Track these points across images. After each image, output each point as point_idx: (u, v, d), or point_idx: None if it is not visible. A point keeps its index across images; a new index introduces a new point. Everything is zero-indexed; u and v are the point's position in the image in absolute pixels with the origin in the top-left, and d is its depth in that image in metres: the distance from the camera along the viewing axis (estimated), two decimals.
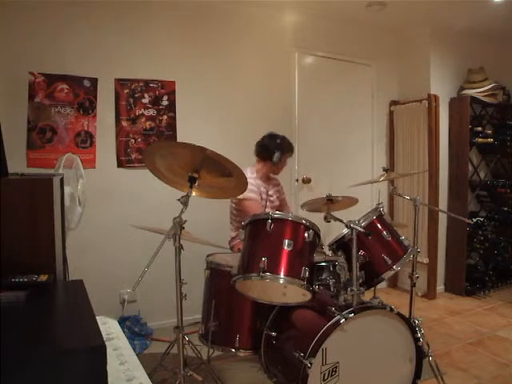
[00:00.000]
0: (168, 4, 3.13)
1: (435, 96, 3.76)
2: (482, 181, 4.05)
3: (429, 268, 3.84)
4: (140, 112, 3.10)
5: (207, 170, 1.82)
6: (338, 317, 1.75)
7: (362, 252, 2.02)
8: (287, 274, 1.79)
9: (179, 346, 1.81)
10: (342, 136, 3.96)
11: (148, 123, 3.12)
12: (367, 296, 2.08)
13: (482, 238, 3.95)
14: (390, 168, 3.95)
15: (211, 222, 3.05)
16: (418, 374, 1.94)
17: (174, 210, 1.83)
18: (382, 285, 4.04)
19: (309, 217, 1.97)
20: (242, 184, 1.90)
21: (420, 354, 1.94)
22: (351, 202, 2.30)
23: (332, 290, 1.96)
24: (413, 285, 2.37)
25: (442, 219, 3.92)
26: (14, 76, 2.72)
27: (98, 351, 0.82)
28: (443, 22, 3.70)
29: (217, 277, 2.15)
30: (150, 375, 1.40)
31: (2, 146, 1.28)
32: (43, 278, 1.22)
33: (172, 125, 3.20)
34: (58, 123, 2.84)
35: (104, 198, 2.95)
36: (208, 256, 2.28)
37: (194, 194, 1.87)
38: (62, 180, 1.47)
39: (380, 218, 2.16)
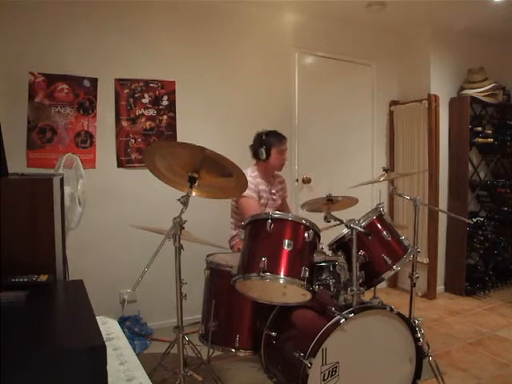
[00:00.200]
0: (168, 4, 3.13)
1: (435, 96, 3.76)
2: (482, 181, 4.05)
3: (429, 268, 3.84)
4: (140, 112, 3.10)
5: (207, 169, 1.82)
6: (337, 317, 1.75)
7: (362, 252, 2.02)
8: (287, 274, 1.78)
9: (179, 346, 1.81)
10: (342, 136, 3.96)
11: (148, 123, 3.12)
12: (367, 296, 2.08)
13: (482, 238, 3.95)
14: (390, 168, 3.96)
15: (211, 221, 3.05)
16: (418, 374, 1.94)
17: (173, 209, 1.84)
18: (382, 285, 4.04)
19: (309, 217, 1.97)
20: (242, 184, 1.90)
21: (420, 354, 1.93)
22: (351, 202, 2.30)
23: (332, 290, 1.95)
24: (413, 285, 2.37)
25: (442, 219, 3.92)
26: (14, 76, 2.72)
27: (98, 351, 0.82)
28: (443, 22, 3.70)
29: (217, 277, 2.15)
30: (149, 375, 1.40)
31: (2, 146, 1.28)
32: (43, 278, 1.21)
33: (172, 125, 3.20)
34: (58, 123, 2.84)
35: (104, 197, 2.95)
36: (208, 256, 2.28)
37: (193, 193, 1.87)
38: (62, 180, 1.46)
39: (380, 217, 2.16)
